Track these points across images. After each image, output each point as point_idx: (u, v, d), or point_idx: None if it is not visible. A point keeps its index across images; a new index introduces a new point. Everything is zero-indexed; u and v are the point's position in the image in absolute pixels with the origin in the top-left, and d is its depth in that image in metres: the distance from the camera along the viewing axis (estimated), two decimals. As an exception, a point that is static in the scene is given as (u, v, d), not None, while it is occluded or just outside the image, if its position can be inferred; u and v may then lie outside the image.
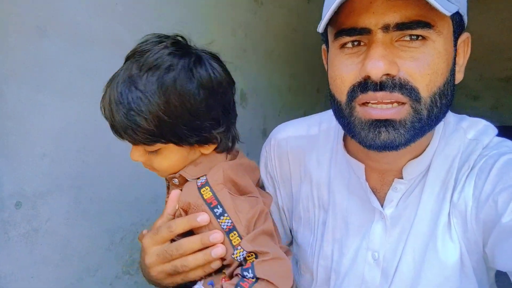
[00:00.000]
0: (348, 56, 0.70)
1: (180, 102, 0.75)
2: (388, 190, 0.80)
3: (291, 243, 1.00)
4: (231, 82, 0.85)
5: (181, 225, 0.78)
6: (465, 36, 0.74)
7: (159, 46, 0.78)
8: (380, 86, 0.66)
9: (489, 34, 3.80)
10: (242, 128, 2.62)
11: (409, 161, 0.77)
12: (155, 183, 1.49)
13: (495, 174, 0.71)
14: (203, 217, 0.76)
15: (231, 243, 0.75)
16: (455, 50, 0.71)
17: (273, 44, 2.53)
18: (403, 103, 0.67)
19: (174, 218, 0.81)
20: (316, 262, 0.88)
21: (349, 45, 0.70)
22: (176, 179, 0.83)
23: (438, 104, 0.69)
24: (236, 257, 0.74)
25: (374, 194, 0.81)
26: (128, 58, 0.80)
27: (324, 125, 0.92)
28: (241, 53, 2.21)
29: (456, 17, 0.69)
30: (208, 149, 0.83)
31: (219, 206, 0.76)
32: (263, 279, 0.72)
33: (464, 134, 0.78)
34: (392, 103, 0.67)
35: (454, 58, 0.71)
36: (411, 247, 0.78)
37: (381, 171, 0.81)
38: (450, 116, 0.81)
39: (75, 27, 1.19)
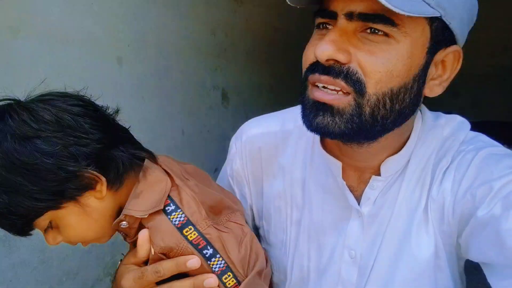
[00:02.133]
0: (317, 36, 0.70)
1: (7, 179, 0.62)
2: (365, 188, 0.80)
3: None
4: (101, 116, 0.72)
5: (170, 269, 0.71)
6: (453, 49, 0.70)
7: None
8: (327, 70, 0.66)
9: (467, 31, 3.84)
10: (224, 127, 2.61)
11: (386, 158, 0.78)
12: (135, 184, 1.48)
13: (473, 169, 0.72)
14: (193, 261, 0.69)
15: (224, 285, 0.70)
16: (430, 59, 0.68)
17: (253, 44, 2.53)
18: (347, 93, 0.66)
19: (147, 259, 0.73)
20: (290, 261, 0.86)
21: (320, 26, 0.70)
22: (125, 222, 0.70)
23: (387, 107, 0.67)
24: None
25: (351, 192, 0.81)
26: None
27: (300, 120, 0.90)
28: (222, 53, 2.21)
29: (438, 25, 0.66)
30: (100, 192, 0.69)
31: (208, 247, 0.70)
32: None
33: (441, 131, 0.79)
34: (337, 91, 0.67)
35: (426, 68, 0.69)
36: (387, 244, 0.78)
37: (357, 169, 0.80)
38: (428, 114, 0.81)
39: (49, 27, 1.18)
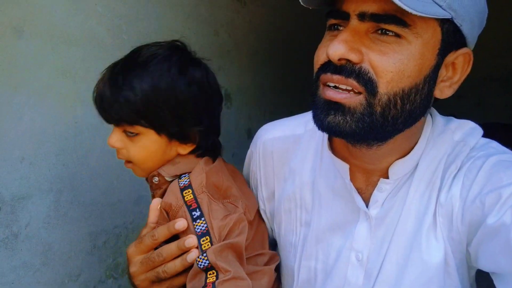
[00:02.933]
0: (329, 37, 0.71)
1: (169, 88, 0.80)
2: (373, 190, 0.80)
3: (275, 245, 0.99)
4: (220, 96, 0.90)
5: (163, 232, 0.80)
6: (464, 51, 0.71)
7: (158, 46, 0.84)
8: (339, 69, 0.67)
9: (471, 32, 3.82)
10: (227, 128, 2.62)
11: (395, 161, 0.77)
12: (138, 185, 1.47)
13: (483, 175, 0.72)
14: (180, 223, 0.78)
15: (201, 247, 0.75)
16: (441, 60, 0.69)
17: (256, 44, 2.53)
18: (359, 93, 0.67)
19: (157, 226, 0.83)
20: (298, 263, 0.87)
21: (333, 27, 0.71)
22: (156, 178, 0.85)
23: (398, 107, 0.67)
24: (198, 262, 0.74)
25: (359, 194, 0.81)
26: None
27: (310, 124, 0.91)
28: (225, 53, 2.20)
29: (449, 27, 0.67)
30: (186, 148, 0.84)
31: (197, 210, 0.78)
32: None
33: (451, 136, 0.78)
34: (349, 90, 0.67)
35: (437, 69, 0.69)
36: (395, 248, 0.78)
37: (366, 171, 0.81)
38: (438, 118, 0.81)
39: (53, 27, 1.17)
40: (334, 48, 0.65)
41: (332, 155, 0.84)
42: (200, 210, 0.78)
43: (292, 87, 3.12)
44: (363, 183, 0.82)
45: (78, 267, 1.29)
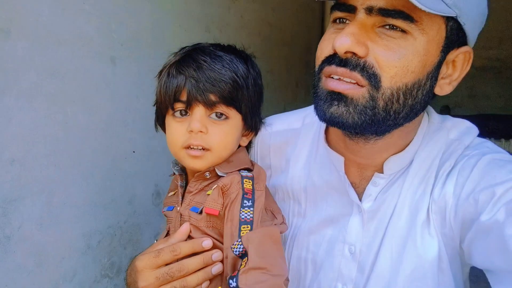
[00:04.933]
0: (334, 30, 0.72)
1: (255, 76, 0.89)
2: (367, 185, 0.80)
3: None
4: None
5: (186, 249, 0.79)
6: (465, 49, 0.72)
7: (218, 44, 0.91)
8: (344, 62, 0.67)
9: (463, 24, 3.83)
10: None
11: (390, 156, 0.78)
12: (131, 184, 1.47)
13: (476, 173, 0.72)
14: (207, 242, 0.79)
15: (239, 233, 0.77)
16: (443, 57, 0.70)
17: (248, 40, 2.52)
18: (362, 86, 0.67)
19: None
20: (289, 252, 0.88)
21: (338, 20, 0.71)
22: (208, 173, 0.86)
23: (400, 101, 0.68)
24: (234, 248, 0.76)
25: (353, 188, 0.82)
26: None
27: (308, 119, 0.94)
28: (217, 50, 2.20)
29: (453, 25, 0.68)
30: (248, 139, 0.93)
31: (251, 200, 0.80)
32: None
33: (447, 134, 0.79)
34: (353, 83, 0.68)
35: (439, 66, 0.70)
36: (388, 242, 0.78)
37: (360, 166, 0.81)
38: (434, 115, 0.82)
39: (41, 27, 1.16)
40: (341, 41, 0.65)
41: (327, 147, 0.85)
42: (253, 201, 0.80)
43: (286, 83, 3.12)
44: (357, 178, 0.83)
45: (72, 268, 1.29)
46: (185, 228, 0.82)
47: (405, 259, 0.77)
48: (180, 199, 0.89)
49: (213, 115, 0.83)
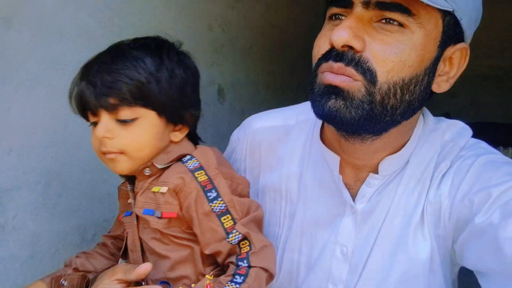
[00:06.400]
0: (330, 27, 0.71)
1: (172, 67, 0.82)
2: (361, 186, 0.80)
3: None
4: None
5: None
6: (461, 46, 0.72)
7: (144, 37, 0.86)
8: (340, 56, 0.66)
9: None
10: (220, 123, 2.59)
11: (385, 157, 0.78)
12: (128, 179, 1.47)
13: (472, 174, 0.72)
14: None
15: (223, 225, 0.78)
16: (441, 53, 0.70)
17: (251, 40, 2.52)
18: (357, 80, 0.67)
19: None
20: (280, 254, 0.87)
21: (334, 17, 0.70)
22: (148, 169, 0.83)
23: (397, 96, 0.68)
24: (231, 240, 0.77)
25: (347, 189, 0.81)
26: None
27: (302, 116, 0.91)
28: (218, 49, 2.19)
29: (450, 20, 0.68)
30: (178, 135, 0.86)
31: (213, 190, 0.79)
32: (256, 266, 0.77)
33: (442, 135, 0.79)
34: (348, 77, 0.67)
35: (436, 62, 0.70)
36: (381, 244, 0.78)
37: (355, 167, 0.81)
38: (430, 117, 0.81)
39: (43, 18, 1.16)
40: (339, 34, 0.65)
41: (323, 146, 0.83)
42: (216, 191, 0.79)
43: (288, 84, 3.12)
44: (352, 179, 0.82)
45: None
46: (146, 268, 0.80)
47: (397, 261, 0.76)
48: (133, 201, 0.87)
49: (119, 120, 0.79)
